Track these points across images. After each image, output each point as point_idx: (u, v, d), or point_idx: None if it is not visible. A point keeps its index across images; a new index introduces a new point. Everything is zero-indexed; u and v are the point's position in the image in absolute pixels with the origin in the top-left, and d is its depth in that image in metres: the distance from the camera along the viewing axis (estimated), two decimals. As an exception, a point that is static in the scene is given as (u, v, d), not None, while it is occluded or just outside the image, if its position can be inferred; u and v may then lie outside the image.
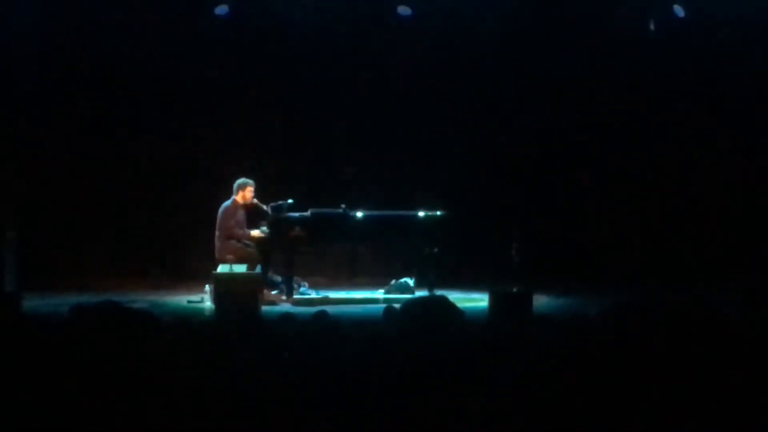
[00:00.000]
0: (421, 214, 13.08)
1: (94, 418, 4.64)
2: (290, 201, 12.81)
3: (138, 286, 14.13)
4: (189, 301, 12.51)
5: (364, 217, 12.96)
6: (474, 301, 12.14)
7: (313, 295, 12.88)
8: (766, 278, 13.49)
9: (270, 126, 15.21)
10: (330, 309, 9.00)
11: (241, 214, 12.83)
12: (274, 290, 12.67)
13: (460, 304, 8.63)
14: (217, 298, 11.34)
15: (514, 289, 11.52)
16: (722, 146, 15.30)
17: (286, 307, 12.06)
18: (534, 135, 15.42)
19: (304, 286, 13.02)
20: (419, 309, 8.04)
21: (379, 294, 12.95)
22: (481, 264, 14.38)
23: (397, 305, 8.61)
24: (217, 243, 12.65)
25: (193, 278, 13.60)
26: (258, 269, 12.23)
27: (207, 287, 12.18)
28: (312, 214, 12.84)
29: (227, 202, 12.76)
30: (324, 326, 6.62)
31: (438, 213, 13.11)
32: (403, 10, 15.09)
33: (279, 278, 12.85)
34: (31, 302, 10.76)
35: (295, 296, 12.55)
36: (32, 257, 13.31)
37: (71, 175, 14.89)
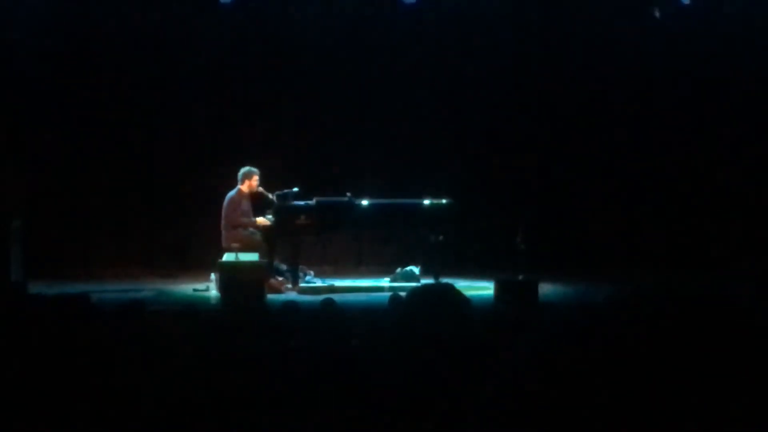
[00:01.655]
0: (426, 202, 13.08)
1: (93, 410, 4.65)
2: (296, 189, 12.82)
3: (144, 274, 14.16)
4: (195, 290, 12.54)
5: (370, 205, 12.97)
6: (480, 289, 12.15)
7: (318, 283, 12.90)
8: None
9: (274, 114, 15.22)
10: (336, 297, 9.01)
11: (246, 203, 12.84)
12: (279, 278, 12.68)
13: (465, 292, 8.63)
14: (222, 286, 11.36)
15: (520, 277, 11.53)
16: (728, 133, 15.28)
17: (291, 295, 12.08)
18: (539, 122, 15.40)
19: (309, 275, 13.03)
20: (425, 297, 8.04)
21: (385, 282, 12.96)
22: (486, 252, 14.38)
23: (402, 293, 8.61)
24: (223, 232, 12.67)
25: (198, 267, 13.62)
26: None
27: (212, 276, 12.19)
28: (317, 202, 12.85)
29: (232, 192, 12.77)
30: (330, 314, 6.63)
31: (443, 201, 13.11)
32: (409, -2, 15.08)
33: (284, 266, 12.86)
34: (37, 291, 10.76)
35: (301, 284, 12.57)
36: (38, 246, 13.33)
37: (77, 164, 14.90)
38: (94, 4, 14.76)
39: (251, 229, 12.74)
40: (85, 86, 14.86)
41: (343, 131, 15.24)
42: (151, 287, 12.81)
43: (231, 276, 11.30)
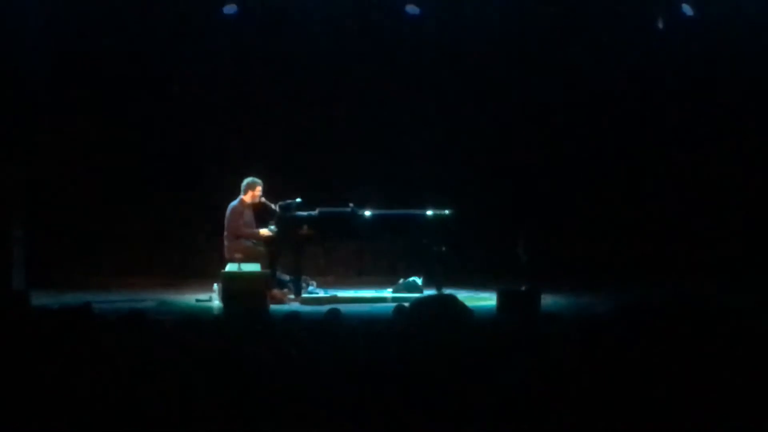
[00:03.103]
0: (429, 212, 13.07)
1: (95, 418, 4.64)
2: (298, 200, 12.81)
3: (146, 284, 14.14)
4: (197, 300, 12.51)
5: (372, 216, 12.95)
6: (482, 299, 12.13)
7: (321, 293, 12.86)
8: None
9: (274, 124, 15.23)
10: (338, 307, 9.01)
11: (249, 214, 12.83)
12: (282, 289, 12.66)
13: (468, 303, 8.62)
14: (225, 297, 11.34)
15: (522, 288, 11.51)
16: (730, 144, 15.27)
17: (294, 306, 12.06)
18: (541, 133, 15.41)
19: (312, 285, 13.01)
20: (428, 308, 8.05)
21: (387, 293, 12.94)
22: (488, 262, 14.37)
23: (405, 304, 8.61)
24: (225, 242, 12.65)
25: (201, 277, 13.60)
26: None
27: (215, 286, 12.18)
28: (320, 212, 12.83)
29: (235, 202, 12.76)
30: (334, 324, 6.63)
31: (446, 212, 13.10)
32: (412, 9, 15.07)
33: (287, 277, 12.85)
34: (39, 300, 10.75)
35: (303, 295, 12.55)
36: (40, 255, 13.32)
37: (79, 173, 14.90)
38: (97, 16, 14.75)
39: (254, 240, 12.73)
40: (89, 96, 14.86)
41: (346, 142, 15.24)
42: (153, 297, 12.78)
43: (233, 286, 11.27)
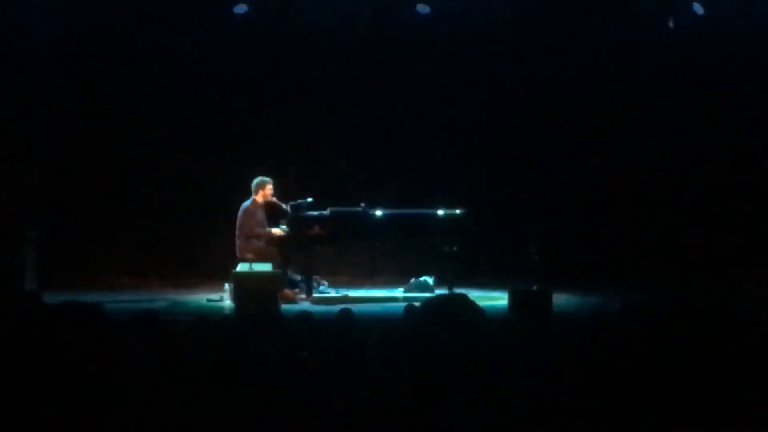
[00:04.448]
0: (440, 212, 13.06)
1: (106, 418, 4.65)
2: (309, 199, 12.82)
3: (157, 284, 14.15)
4: (209, 300, 12.52)
5: (384, 216, 12.95)
6: (494, 299, 12.12)
7: (332, 293, 12.87)
8: None
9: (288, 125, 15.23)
10: (349, 307, 9.00)
11: (261, 214, 12.85)
12: (293, 289, 12.67)
13: (479, 303, 8.61)
14: (236, 296, 11.35)
15: (534, 288, 11.49)
16: (739, 141, 15.23)
17: (305, 305, 12.07)
18: (553, 133, 15.38)
19: (323, 285, 13.02)
20: (440, 307, 8.03)
21: (399, 292, 12.94)
22: (500, 262, 14.35)
23: (417, 303, 8.60)
24: (237, 242, 12.67)
25: (212, 277, 13.61)
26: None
27: (227, 286, 12.19)
28: (331, 212, 12.84)
29: (247, 202, 12.78)
30: (346, 324, 6.62)
31: (457, 211, 13.09)
32: (422, 8, 15.08)
33: (298, 277, 12.86)
34: (52, 300, 10.76)
35: (315, 295, 12.55)
36: (52, 256, 13.33)
37: (91, 173, 14.91)
38: (107, 16, 14.77)
39: (265, 240, 12.74)
40: (100, 97, 14.87)
41: (358, 141, 15.23)
42: (164, 297, 12.80)
43: (245, 286, 11.29)
